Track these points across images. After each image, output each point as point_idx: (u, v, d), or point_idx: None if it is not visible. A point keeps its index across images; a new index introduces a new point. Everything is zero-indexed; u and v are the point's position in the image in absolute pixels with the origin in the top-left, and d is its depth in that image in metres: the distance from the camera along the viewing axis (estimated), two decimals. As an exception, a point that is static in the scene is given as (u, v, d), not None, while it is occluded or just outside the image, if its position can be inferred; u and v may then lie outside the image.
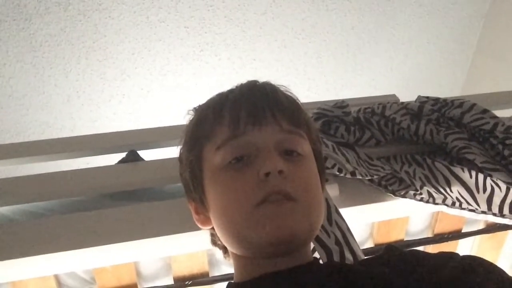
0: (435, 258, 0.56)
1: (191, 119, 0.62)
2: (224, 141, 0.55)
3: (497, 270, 0.52)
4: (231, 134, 0.54)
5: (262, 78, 0.62)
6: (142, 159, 0.98)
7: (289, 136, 0.56)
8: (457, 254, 0.57)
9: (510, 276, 0.52)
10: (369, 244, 0.94)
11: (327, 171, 0.80)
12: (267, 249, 0.51)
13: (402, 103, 0.98)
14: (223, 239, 0.57)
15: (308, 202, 0.53)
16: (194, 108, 0.63)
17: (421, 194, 0.84)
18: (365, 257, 0.69)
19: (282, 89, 0.60)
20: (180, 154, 0.63)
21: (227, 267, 0.87)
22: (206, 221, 0.60)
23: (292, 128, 0.56)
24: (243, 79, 0.62)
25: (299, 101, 0.61)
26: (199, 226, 0.62)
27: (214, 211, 0.56)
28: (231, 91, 0.60)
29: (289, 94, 0.60)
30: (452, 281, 0.51)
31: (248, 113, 0.55)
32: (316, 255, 0.68)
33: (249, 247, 0.53)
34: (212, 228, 0.60)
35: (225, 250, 0.63)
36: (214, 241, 0.65)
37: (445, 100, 0.97)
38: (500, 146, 0.86)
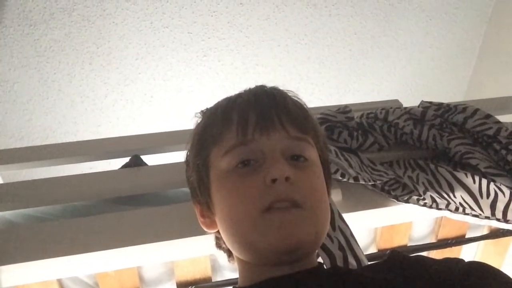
0: (440, 263, 0.55)
1: (198, 122, 0.62)
2: (231, 146, 0.54)
3: (505, 276, 0.52)
4: (238, 140, 0.54)
5: (265, 83, 0.62)
6: (146, 164, 0.98)
7: (296, 143, 0.55)
8: (462, 260, 0.56)
9: None
10: (372, 250, 0.94)
11: (330, 176, 0.80)
12: (272, 256, 0.51)
13: (405, 108, 0.98)
14: (229, 244, 0.57)
15: (315, 209, 0.52)
16: (202, 111, 0.63)
17: (424, 199, 0.84)
18: (370, 263, 0.69)
19: (290, 94, 0.60)
20: (187, 157, 0.63)
21: (229, 272, 0.87)
22: (211, 224, 0.60)
23: (299, 135, 0.56)
24: (246, 85, 0.62)
25: (307, 107, 0.61)
26: (204, 229, 0.62)
27: (220, 215, 0.56)
28: (239, 96, 0.59)
29: (297, 100, 0.60)
30: (459, 286, 0.50)
31: (256, 120, 0.55)
32: (320, 260, 0.68)
33: (254, 254, 0.53)
34: (217, 231, 0.60)
35: (229, 253, 0.62)
36: (219, 245, 0.64)
37: (448, 105, 0.97)
38: (504, 151, 0.86)
